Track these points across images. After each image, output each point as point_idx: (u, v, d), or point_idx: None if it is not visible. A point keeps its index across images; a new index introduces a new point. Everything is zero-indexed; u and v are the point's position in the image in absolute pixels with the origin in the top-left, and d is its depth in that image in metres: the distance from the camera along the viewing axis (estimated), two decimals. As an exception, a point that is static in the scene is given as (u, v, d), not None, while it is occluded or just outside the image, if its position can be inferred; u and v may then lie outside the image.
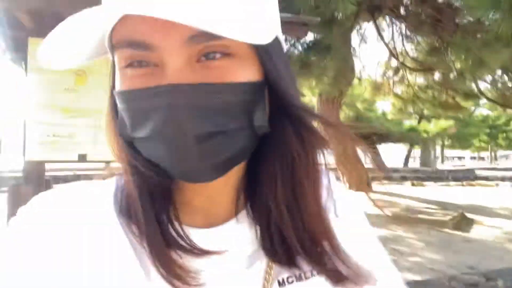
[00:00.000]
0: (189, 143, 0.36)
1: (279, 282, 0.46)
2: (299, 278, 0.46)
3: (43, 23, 3.36)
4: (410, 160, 25.27)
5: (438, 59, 6.86)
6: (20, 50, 4.05)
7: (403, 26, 7.98)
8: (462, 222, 6.57)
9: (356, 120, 15.47)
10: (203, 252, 0.41)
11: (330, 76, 6.04)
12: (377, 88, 11.28)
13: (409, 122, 19.46)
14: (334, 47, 6.08)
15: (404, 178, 14.93)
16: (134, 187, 0.41)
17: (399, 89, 11.34)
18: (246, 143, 0.40)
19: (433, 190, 12.09)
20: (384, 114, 17.50)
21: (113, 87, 0.43)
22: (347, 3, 4.05)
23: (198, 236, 0.43)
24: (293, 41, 6.33)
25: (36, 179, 3.20)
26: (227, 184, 0.44)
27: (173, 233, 0.41)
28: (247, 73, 0.39)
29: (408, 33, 7.94)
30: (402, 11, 7.19)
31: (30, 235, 0.39)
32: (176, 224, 0.41)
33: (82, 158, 3.51)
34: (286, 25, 3.95)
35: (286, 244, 0.45)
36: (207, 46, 0.36)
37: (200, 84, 0.36)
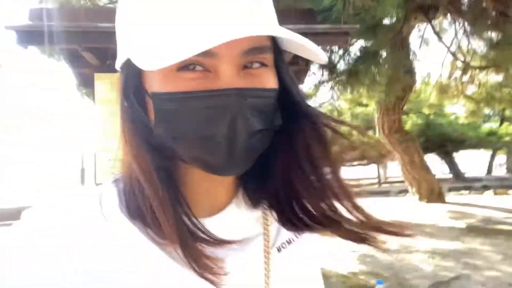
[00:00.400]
0: (241, 140, 0.41)
1: (277, 249, 0.52)
2: (289, 241, 0.54)
3: (106, 59, 3.76)
4: (496, 167, 22.86)
5: (503, 54, 6.28)
6: (88, 85, 4.56)
7: (466, 23, 7.45)
8: (551, 232, 5.82)
9: (426, 127, 14.55)
10: (222, 242, 0.44)
11: (383, 83, 5.83)
12: (443, 91, 10.53)
13: (489, 125, 17.75)
14: (387, 53, 5.90)
15: (485, 187, 13.57)
16: (151, 187, 0.42)
17: (470, 90, 10.46)
18: (270, 139, 0.46)
19: (520, 199, 10.80)
20: (457, 118, 16.17)
21: (136, 91, 0.44)
22: (387, 7, 3.93)
23: (206, 225, 0.45)
24: (342, 52, 6.26)
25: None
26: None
27: (191, 226, 0.43)
28: (273, 80, 0.45)
29: (473, 29, 7.39)
30: (462, 7, 6.75)
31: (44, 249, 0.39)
32: (192, 217, 0.44)
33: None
34: (327, 36, 3.94)
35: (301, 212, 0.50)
36: (254, 57, 0.42)
37: (252, 89, 0.42)
